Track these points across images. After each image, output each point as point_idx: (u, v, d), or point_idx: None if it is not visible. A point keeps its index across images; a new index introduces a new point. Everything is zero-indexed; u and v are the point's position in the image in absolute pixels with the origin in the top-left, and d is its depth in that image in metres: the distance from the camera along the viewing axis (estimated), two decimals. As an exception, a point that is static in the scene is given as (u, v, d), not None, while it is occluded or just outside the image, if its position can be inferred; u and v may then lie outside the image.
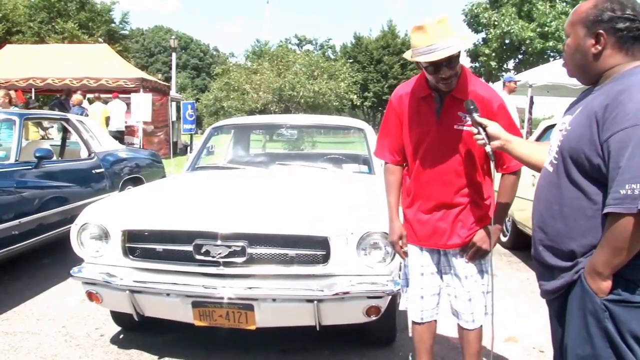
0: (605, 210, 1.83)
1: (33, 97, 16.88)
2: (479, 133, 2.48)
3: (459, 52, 2.65)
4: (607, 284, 1.86)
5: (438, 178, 2.83)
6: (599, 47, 1.99)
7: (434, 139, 2.80)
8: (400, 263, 3.25)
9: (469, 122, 2.58)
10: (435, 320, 3.09)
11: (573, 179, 1.97)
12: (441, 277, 3.02)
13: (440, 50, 2.54)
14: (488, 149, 2.46)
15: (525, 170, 2.86)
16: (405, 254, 3.03)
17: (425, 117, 2.83)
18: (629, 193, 1.74)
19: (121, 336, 4.28)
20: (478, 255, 2.89)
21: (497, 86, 17.54)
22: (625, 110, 1.80)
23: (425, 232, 2.93)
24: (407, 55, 2.74)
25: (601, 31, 1.97)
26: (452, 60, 2.61)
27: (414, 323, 3.10)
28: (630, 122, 1.77)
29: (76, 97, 14.18)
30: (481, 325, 2.98)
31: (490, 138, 2.46)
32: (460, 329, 3.05)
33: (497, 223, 2.87)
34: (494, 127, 2.46)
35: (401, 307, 3.18)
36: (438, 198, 2.86)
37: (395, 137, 3.00)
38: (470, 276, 2.91)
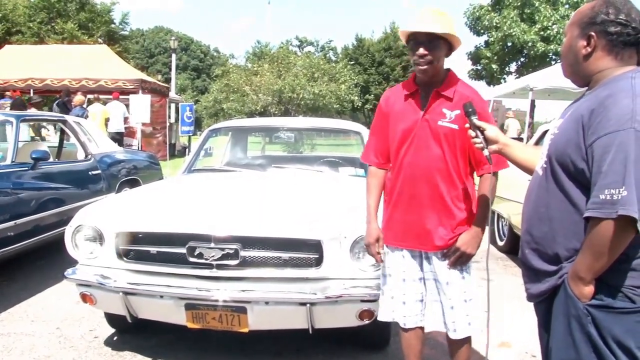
0: (585, 215, 1.85)
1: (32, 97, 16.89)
2: (477, 136, 2.47)
3: (447, 44, 2.75)
4: (590, 289, 1.88)
5: (421, 175, 2.79)
6: (589, 49, 2.01)
7: (418, 134, 2.79)
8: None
9: (467, 125, 2.56)
10: (422, 327, 3.03)
11: (560, 183, 1.99)
12: (424, 284, 2.96)
13: (428, 24, 2.67)
14: (486, 152, 2.45)
15: (522, 175, 2.81)
16: (381, 258, 3.01)
17: (411, 114, 2.84)
18: (607, 198, 1.76)
19: (115, 338, 4.28)
20: (461, 260, 2.82)
21: (499, 89, 17.62)
22: (609, 115, 1.81)
23: (407, 231, 2.87)
24: (401, 36, 2.85)
25: (592, 33, 1.99)
26: (433, 43, 2.70)
27: (402, 329, 3.04)
28: (613, 128, 1.79)
29: (78, 98, 14.18)
30: (469, 336, 2.92)
31: (488, 142, 2.45)
32: (447, 337, 2.99)
33: (479, 226, 2.83)
34: (492, 131, 2.45)
35: (379, 317, 3.10)
36: (420, 196, 2.81)
37: (381, 139, 3.01)
38: (451, 282, 2.85)
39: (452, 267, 2.84)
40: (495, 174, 2.80)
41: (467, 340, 2.93)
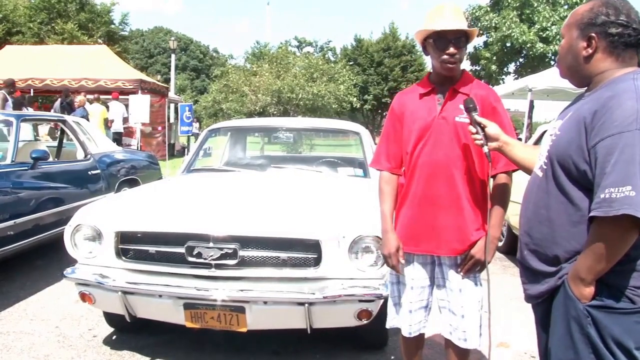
0: (589, 215, 1.84)
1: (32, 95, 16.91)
2: (477, 133, 2.47)
3: (466, 40, 2.70)
4: (590, 290, 1.87)
5: (438, 174, 2.69)
6: (590, 50, 2.00)
7: (436, 132, 2.70)
8: (386, 275, 3.19)
9: (468, 121, 2.55)
10: (423, 333, 2.97)
11: (560, 185, 1.98)
12: (432, 291, 2.88)
13: (454, 22, 2.64)
14: (485, 149, 2.45)
15: (522, 175, 2.69)
16: (401, 268, 2.85)
17: (427, 112, 2.75)
18: (607, 197, 1.75)
19: (114, 337, 4.29)
20: (475, 268, 2.74)
21: (498, 89, 17.60)
22: (613, 117, 1.80)
23: (420, 235, 2.75)
24: (418, 35, 2.76)
25: (593, 34, 1.98)
26: (461, 40, 2.66)
27: (402, 336, 2.97)
28: (617, 129, 1.78)
29: (80, 99, 14.19)
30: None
31: (488, 139, 2.45)
32: (448, 345, 2.89)
33: (494, 232, 2.70)
34: (493, 128, 2.45)
35: (388, 325, 3.02)
36: (436, 197, 2.69)
37: (394, 143, 2.90)
38: (464, 290, 2.76)
39: (465, 275, 2.76)
40: (508, 173, 2.74)
41: (471, 350, 2.86)
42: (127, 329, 4.26)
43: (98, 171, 6.85)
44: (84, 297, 3.69)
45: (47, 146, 7.26)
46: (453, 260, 2.77)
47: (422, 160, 2.74)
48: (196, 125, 31.17)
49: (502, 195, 2.75)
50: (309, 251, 3.41)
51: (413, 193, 2.78)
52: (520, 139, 2.72)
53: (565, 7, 25.85)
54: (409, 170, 2.81)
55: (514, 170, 2.71)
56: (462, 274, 2.76)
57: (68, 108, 13.72)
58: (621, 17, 1.95)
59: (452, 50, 2.64)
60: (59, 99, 14.53)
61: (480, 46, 30.55)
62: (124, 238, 3.61)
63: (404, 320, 2.90)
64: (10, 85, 12.07)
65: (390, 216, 2.88)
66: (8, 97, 11.40)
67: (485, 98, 2.71)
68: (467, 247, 2.72)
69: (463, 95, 2.70)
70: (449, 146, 2.70)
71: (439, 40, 2.66)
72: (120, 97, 16.51)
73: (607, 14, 1.96)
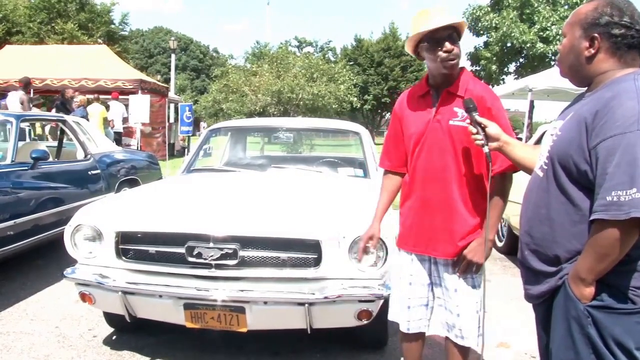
0: (592, 217, 1.83)
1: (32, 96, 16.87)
2: (477, 133, 2.46)
3: (459, 33, 2.67)
4: (590, 290, 1.87)
5: (433, 177, 2.72)
6: (592, 51, 1.99)
7: (430, 136, 2.72)
8: (387, 272, 3.21)
9: (468, 121, 2.54)
10: (424, 332, 2.98)
11: (561, 185, 1.98)
12: (432, 289, 2.91)
13: (442, 19, 2.59)
14: (486, 149, 2.44)
15: (522, 175, 2.66)
16: (366, 252, 3.07)
17: (422, 114, 2.77)
18: (614, 200, 1.74)
19: (114, 337, 4.29)
20: (470, 269, 2.74)
21: (498, 90, 17.65)
22: (615, 117, 1.79)
23: (417, 236, 2.81)
24: (408, 45, 2.75)
25: (596, 35, 1.97)
26: (453, 36, 2.63)
27: (401, 332, 2.99)
28: (618, 130, 1.77)
29: (81, 98, 14.20)
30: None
31: (489, 139, 2.44)
32: (448, 341, 2.91)
33: (489, 234, 2.68)
34: (494, 128, 2.44)
35: (389, 318, 3.08)
36: (431, 200, 2.73)
37: (395, 143, 2.95)
38: (459, 289, 2.77)
39: (461, 276, 2.76)
40: (506, 176, 2.71)
41: (469, 349, 2.88)
42: (127, 329, 4.26)
43: (98, 171, 6.85)
44: (84, 297, 3.69)
45: (47, 146, 7.25)
46: (448, 261, 2.80)
47: (419, 164, 2.78)
48: (203, 125, 31.26)
49: (499, 197, 2.74)
50: (309, 251, 3.41)
51: (412, 196, 2.84)
52: (520, 139, 2.71)
53: (566, 7, 25.83)
54: (410, 172, 2.86)
55: (514, 171, 2.68)
56: (458, 275, 2.77)
57: (62, 107, 13.70)
58: (625, 18, 1.94)
59: (448, 46, 2.61)
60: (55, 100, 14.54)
61: (480, 46, 30.54)
62: (124, 238, 3.60)
63: (402, 316, 2.94)
64: (27, 84, 12.06)
65: (380, 209, 3.02)
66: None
67: (481, 98, 2.67)
68: (460, 249, 2.73)
69: (458, 97, 2.69)
70: (443, 150, 2.71)
71: (432, 41, 2.63)
72: (120, 97, 16.50)
73: (611, 14, 1.95)
